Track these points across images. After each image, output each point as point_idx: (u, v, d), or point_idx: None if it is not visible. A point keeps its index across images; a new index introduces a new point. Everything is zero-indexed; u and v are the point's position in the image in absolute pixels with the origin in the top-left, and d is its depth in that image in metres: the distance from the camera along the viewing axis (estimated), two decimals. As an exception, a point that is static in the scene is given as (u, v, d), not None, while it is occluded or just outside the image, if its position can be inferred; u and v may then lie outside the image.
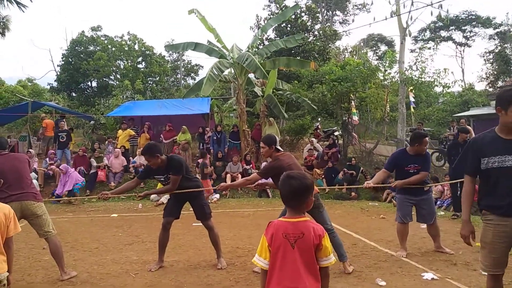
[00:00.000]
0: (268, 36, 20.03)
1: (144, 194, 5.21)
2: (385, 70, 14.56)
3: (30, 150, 13.90)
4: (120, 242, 6.60)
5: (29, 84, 29.20)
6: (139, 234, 7.14)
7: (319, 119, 16.86)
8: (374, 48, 41.60)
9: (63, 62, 26.79)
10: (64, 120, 15.27)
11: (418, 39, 38.77)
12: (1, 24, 28.49)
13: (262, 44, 18.37)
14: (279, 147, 4.78)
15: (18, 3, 29.32)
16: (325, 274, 2.22)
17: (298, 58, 17.33)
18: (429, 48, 18.71)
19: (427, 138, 5.39)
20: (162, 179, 5.06)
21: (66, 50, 27.33)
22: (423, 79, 13.60)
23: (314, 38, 21.25)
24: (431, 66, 13.65)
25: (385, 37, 40.29)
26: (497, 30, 35.64)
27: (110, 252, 5.92)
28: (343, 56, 30.42)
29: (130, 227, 7.82)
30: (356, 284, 4.33)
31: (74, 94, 27.39)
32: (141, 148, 12.46)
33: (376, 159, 13.85)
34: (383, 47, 40.82)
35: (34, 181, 11.01)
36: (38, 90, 25.99)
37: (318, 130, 16.43)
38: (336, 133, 15.27)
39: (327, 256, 2.18)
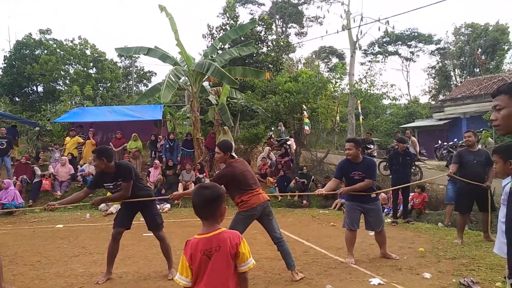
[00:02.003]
0: (221, 45, 20.11)
1: (99, 200, 5.02)
2: (336, 82, 15.08)
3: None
4: (65, 254, 6.30)
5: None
6: (86, 246, 6.85)
7: (273, 128, 17.08)
8: (326, 60, 42.88)
9: (5, 65, 25.38)
10: (4, 126, 14.38)
11: (368, 52, 40.53)
12: None
13: (216, 53, 18.40)
14: (233, 154, 4.79)
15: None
16: (244, 278, 2.29)
17: (253, 68, 17.54)
18: (378, 61, 19.58)
19: (348, 144, 5.58)
20: (111, 186, 4.90)
21: (9, 52, 25.94)
22: (372, 92, 14.22)
23: (268, 49, 21.57)
24: (379, 79, 14.33)
25: (336, 50, 41.72)
26: (438, 46, 38.02)
27: (54, 265, 5.62)
28: (296, 67, 31.10)
29: (77, 238, 7.49)
30: (307, 291, 4.40)
31: (17, 99, 26.01)
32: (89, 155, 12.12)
33: (327, 168, 14.22)
34: (334, 59, 42.20)
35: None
36: (-24, 93, 24.46)
37: (272, 139, 16.62)
38: (288, 143, 15.52)
39: (245, 262, 2.25)
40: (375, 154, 13.84)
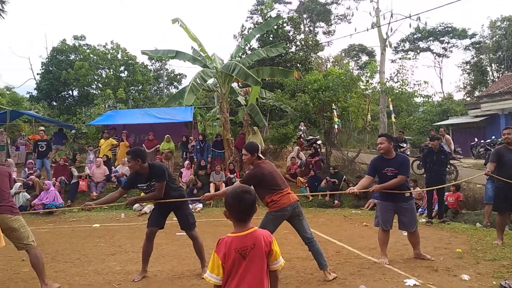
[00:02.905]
0: (251, 46, 20.18)
1: (133, 200, 5.15)
2: (367, 80, 14.85)
3: (7, 159, 13.60)
4: (102, 252, 6.50)
5: (8, 92, 28.72)
6: (122, 244, 7.05)
7: (301, 128, 17.01)
8: (355, 58, 42.30)
9: (43, 71, 26.40)
10: (42, 128, 15.00)
11: (398, 49, 39.65)
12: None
13: (244, 54, 18.50)
14: (261, 155, 4.82)
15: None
16: (275, 277, 2.35)
17: (281, 68, 17.53)
18: (409, 59, 19.16)
19: (380, 138, 5.48)
20: (144, 187, 5.02)
21: (46, 58, 26.98)
22: (403, 90, 13.92)
23: (296, 48, 21.50)
24: (411, 77, 14.01)
25: (366, 48, 41.07)
26: (473, 40, 36.72)
27: (92, 263, 5.82)
28: (325, 66, 30.84)
29: (113, 237, 7.72)
30: (340, 292, 4.36)
31: (54, 103, 27.00)
32: (124, 157, 12.45)
33: (358, 168, 14.02)
34: (364, 57, 41.57)
35: (25, 194, 10.86)
36: (17, 98, 25.61)
37: (301, 139, 16.54)
38: (318, 142, 15.40)
39: (277, 260, 2.31)
40: (408, 152, 13.54)
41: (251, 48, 20.43)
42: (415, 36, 37.41)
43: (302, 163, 13.71)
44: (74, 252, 6.52)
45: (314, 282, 4.70)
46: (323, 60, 33.24)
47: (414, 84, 14.05)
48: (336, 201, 11.55)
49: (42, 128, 15.16)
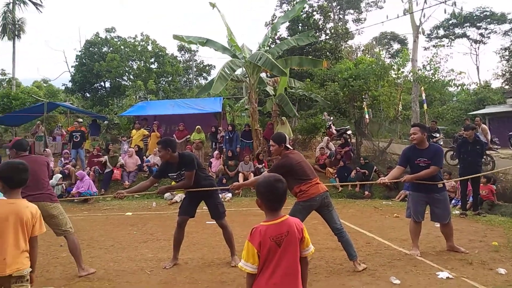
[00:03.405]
0: (280, 35, 20.02)
1: (164, 189, 5.27)
2: (398, 69, 14.47)
3: (46, 149, 14.17)
4: (135, 240, 6.69)
5: (44, 85, 29.71)
6: (154, 232, 7.22)
7: (331, 118, 16.81)
8: (387, 46, 41.28)
9: (77, 63, 27.11)
10: (81, 120, 15.50)
11: (432, 36, 38.35)
12: (17, 26, 29.08)
13: (274, 43, 18.38)
14: (288, 145, 4.80)
15: (34, 4, 29.86)
16: (306, 262, 2.40)
17: (310, 57, 17.33)
18: (443, 45, 18.50)
19: (413, 128, 5.36)
20: (175, 176, 5.11)
21: (80, 51, 27.68)
22: (437, 78, 13.48)
23: (326, 37, 21.18)
24: (445, 65, 13.53)
25: (398, 35, 39.98)
26: (512, 25, 35.04)
27: (126, 250, 6.01)
28: (355, 55, 30.26)
29: (145, 225, 7.92)
30: (370, 283, 4.32)
31: (88, 95, 27.72)
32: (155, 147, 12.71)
33: (390, 158, 13.75)
34: (396, 45, 40.50)
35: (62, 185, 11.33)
36: (53, 91, 26.41)
37: (331, 129, 16.36)
38: (348, 132, 15.19)
39: (308, 246, 2.36)
40: (441, 143, 13.14)
41: (280, 37, 20.28)
42: (450, 22, 36.05)
43: (331, 154, 13.58)
44: (108, 239, 6.74)
45: (343, 272, 4.68)
46: (353, 49, 32.62)
47: (447, 73, 13.58)
48: (366, 192, 11.40)
49: (80, 119, 15.66)
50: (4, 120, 18.25)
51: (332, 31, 22.03)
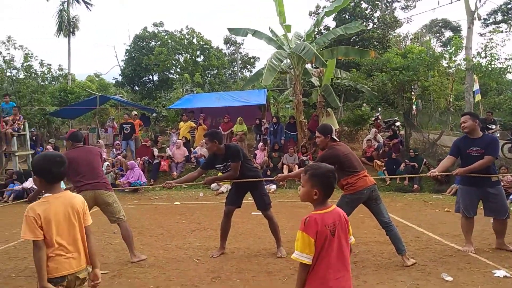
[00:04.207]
0: (326, 25, 19.70)
1: (210, 180, 5.37)
2: (450, 58, 13.81)
3: (99, 141, 14.85)
4: (183, 228, 6.89)
5: (96, 79, 31.08)
6: (201, 222, 7.40)
7: (379, 109, 16.38)
8: (438, 34, 39.45)
9: (126, 57, 28.08)
10: (135, 113, 16.10)
11: (488, 22, 36.13)
12: (72, 23, 30.54)
13: (320, 34, 18.11)
14: (335, 137, 4.72)
15: (85, 3, 31.22)
16: (350, 250, 2.40)
17: (357, 47, 16.91)
18: (501, 31, 17.38)
19: (463, 117, 5.13)
20: (221, 167, 5.19)
21: (129, 45, 28.64)
22: (493, 66, 12.73)
23: (373, 26, 20.59)
24: (501, 51, 12.74)
25: (451, 22, 38.03)
26: None
27: (174, 238, 6.20)
28: (403, 43, 29.20)
29: (192, 215, 8.12)
30: (420, 278, 4.20)
31: (137, 88, 28.67)
32: (202, 139, 12.98)
33: (440, 151, 13.20)
34: (448, 33, 38.59)
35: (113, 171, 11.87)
36: (105, 84, 27.60)
37: (378, 121, 15.95)
38: (397, 124, 14.74)
39: (351, 235, 2.37)
40: (498, 135, 12.46)
41: (327, 27, 19.94)
42: (509, 5, 33.81)
43: (379, 146, 13.25)
44: (158, 228, 6.98)
45: (392, 267, 4.58)
46: (402, 38, 31.47)
47: (505, 59, 12.77)
48: (415, 185, 11.03)
49: (135, 112, 16.26)
50: (61, 113, 19.31)
51: (380, 20, 21.37)
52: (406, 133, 14.33)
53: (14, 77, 20.15)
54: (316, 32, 15.48)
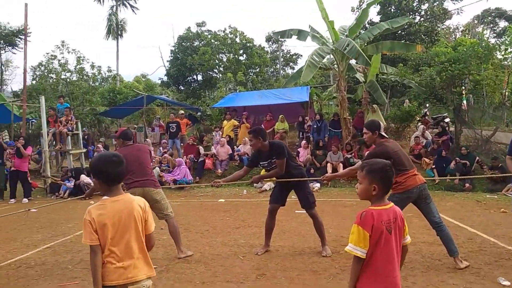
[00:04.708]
0: (370, 19, 19.22)
1: (257, 179, 5.40)
2: (506, 49, 13.04)
3: (147, 139, 15.34)
4: (228, 225, 6.99)
5: (143, 79, 32.11)
6: (245, 219, 7.47)
7: (427, 104, 15.76)
8: (491, 24, 37.39)
9: (171, 58, 28.76)
10: (182, 112, 16.52)
11: (548, 10, 33.81)
12: (120, 26, 31.75)
13: (364, 29, 17.70)
14: (383, 133, 4.60)
15: (132, 7, 32.35)
16: (406, 250, 2.39)
17: (403, 41, 16.37)
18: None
19: None
20: (265, 164, 5.20)
21: (173, 46, 29.33)
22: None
23: (421, 19, 19.85)
24: None
25: (506, 12, 35.90)
26: None
27: (219, 235, 6.30)
28: (454, 36, 27.94)
29: (237, 212, 8.22)
30: (474, 282, 4.01)
31: (182, 88, 29.30)
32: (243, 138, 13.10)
33: (495, 148, 12.53)
34: (503, 23, 36.47)
35: (157, 169, 12.24)
36: (151, 85, 28.43)
37: (426, 117, 15.35)
38: (446, 120, 14.13)
39: (407, 235, 2.34)
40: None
41: (371, 22, 19.46)
42: None
43: (427, 143, 12.77)
44: (204, 224, 7.12)
45: (443, 269, 4.41)
46: (452, 30, 30.11)
47: None
48: (467, 184, 10.54)
49: (182, 111, 16.69)
50: (110, 113, 20.14)
51: (428, 12, 20.55)
52: (456, 129, 13.71)
53: (68, 79, 21.26)
54: (360, 27, 15.08)
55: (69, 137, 13.10)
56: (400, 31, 18.26)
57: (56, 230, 7.10)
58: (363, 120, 13.47)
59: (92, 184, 9.08)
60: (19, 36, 26.48)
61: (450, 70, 12.23)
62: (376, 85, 13.63)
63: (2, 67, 30.79)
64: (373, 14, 18.58)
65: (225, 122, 15.19)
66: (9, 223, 7.65)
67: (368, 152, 4.81)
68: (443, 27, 24.70)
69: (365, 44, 13.83)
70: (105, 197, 2.35)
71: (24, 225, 7.61)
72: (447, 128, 13.67)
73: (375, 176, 2.26)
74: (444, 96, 13.78)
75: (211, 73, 28.37)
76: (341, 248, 5.26)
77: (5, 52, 29.31)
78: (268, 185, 10.95)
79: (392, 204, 2.31)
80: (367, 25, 19.02)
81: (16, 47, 28.16)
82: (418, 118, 15.35)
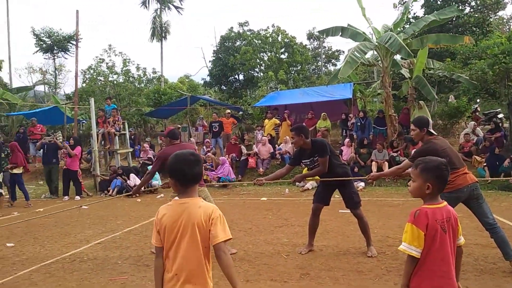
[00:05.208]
0: (415, 13, 18.56)
1: (299, 177, 5.37)
2: None
3: (191, 138, 15.67)
4: (270, 224, 6.99)
5: (186, 80, 32.81)
6: (288, 218, 7.44)
7: (478, 100, 15.02)
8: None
9: (214, 58, 29.17)
10: (228, 111, 16.76)
11: None
12: (164, 28, 32.60)
13: (408, 23, 17.13)
14: (432, 130, 4.42)
15: (176, 8, 33.12)
16: (461, 251, 2.33)
17: (450, 33, 15.68)
18: None
19: None
20: (308, 162, 5.14)
21: (216, 46, 29.72)
22: None
23: (470, 10, 18.94)
24: None
25: None
26: None
27: (262, 233, 6.31)
28: (507, 27, 26.44)
29: (279, 211, 8.21)
30: (532, 287, 3.78)
31: (224, 87, 29.67)
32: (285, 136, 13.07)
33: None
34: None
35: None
36: (194, 85, 29.03)
37: (477, 113, 14.64)
38: (499, 116, 13.40)
39: (461, 236, 2.28)
40: None
41: (415, 16, 18.81)
42: None
43: (478, 140, 12.17)
44: (247, 222, 7.17)
45: (498, 273, 4.18)
46: (506, 20, 28.47)
47: None
48: (523, 183, 9.94)
49: (228, 110, 16.95)
50: (155, 113, 20.73)
51: (478, 2, 19.57)
52: (511, 125, 12.98)
53: (115, 81, 22.11)
54: (404, 22, 14.58)
55: (117, 137, 13.62)
56: (447, 24, 17.50)
57: (106, 226, 7.41)
58: (409, 117, 13.05)
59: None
60: (71, 42, 27.83)
61: (504, 62, 11.59)
62: (423, 81, 13.15)
63: (56, 71, 32.52)
64: (417, 7, 17.91)
65: (266, 121, 15.22)
66: (64, 219, 8.07)
67: (415, 149, 4.64)
68: (495, 17, 23.45)
69: (410, 39, 13.37)
70: (176, 198, 2.22)
71: (77, 221, 7.99)
72: (500, 124, 12.96)
73: (429, 174, 2.21)
74: (497, 90, 13.09)
75: (252, 72, 28.49)
76: (387, 248, 5.13)
77: (58, 58, 30.91)
78: (311, 184, 10.86)
79: (445, 203, 2.25)
80: (412, 20, 18.41)
81: (68, 52, 29.63)
82: (468, 114, 14.67)
